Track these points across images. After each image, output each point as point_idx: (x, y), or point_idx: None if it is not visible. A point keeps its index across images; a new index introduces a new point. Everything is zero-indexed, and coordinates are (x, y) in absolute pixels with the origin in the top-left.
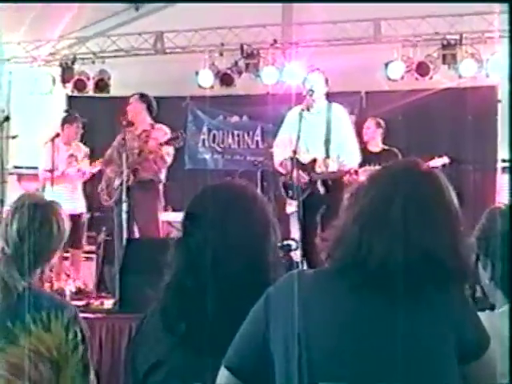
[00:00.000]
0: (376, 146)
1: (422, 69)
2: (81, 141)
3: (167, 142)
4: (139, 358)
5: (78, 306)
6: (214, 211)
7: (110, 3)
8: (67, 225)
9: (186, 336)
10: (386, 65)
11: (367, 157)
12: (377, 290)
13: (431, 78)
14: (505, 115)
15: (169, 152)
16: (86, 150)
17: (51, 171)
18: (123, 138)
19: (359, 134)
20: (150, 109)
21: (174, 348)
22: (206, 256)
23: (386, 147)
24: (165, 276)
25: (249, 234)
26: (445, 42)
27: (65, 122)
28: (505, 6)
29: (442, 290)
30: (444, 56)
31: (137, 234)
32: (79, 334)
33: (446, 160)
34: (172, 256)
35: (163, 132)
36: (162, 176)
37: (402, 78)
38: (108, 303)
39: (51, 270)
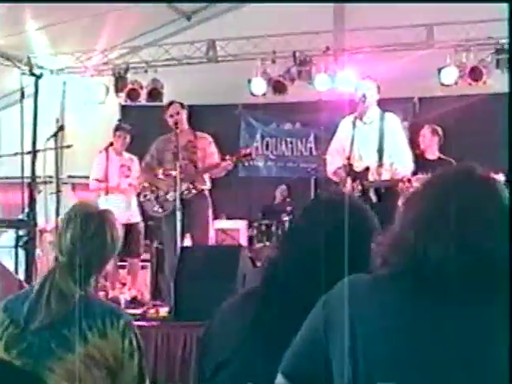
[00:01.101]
0: (432, 154)
1: (475, 74)
2: (128, 150)
3: (239, 158)
4: (208, 355)
5: (134, 315)
6: (332, 221)
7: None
8: (120, 234)
9: (264, 335)
10: (439, 70)
11: (422, 164)
12: (433, 296)
13: (484, 82)
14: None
15: (227, 166)
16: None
17: (102, 181)
18: (176, 146)
19: (413, 140)
20: (189, 117)
21: (248, 346)
22: (315, 263)
23: (442, 156)
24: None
25: (363, 246)
26: (498, 47)
27: (114, 132)
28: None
29: (499, 297)
30: (497, 60)
31: (188, 243)
32: (135, 342)
33: (501, 178)
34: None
35: (208, 141)
36: (208, 182)
37: (456, 83)
38: (163, 311)
39: (106, 279)
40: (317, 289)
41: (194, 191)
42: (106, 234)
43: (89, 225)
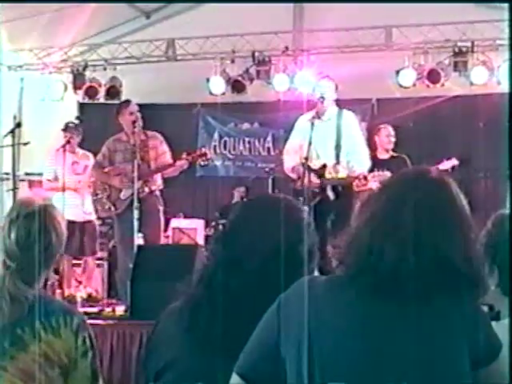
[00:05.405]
0: (387, 153)
1: (433, 76)
2: (83, 147)
3: (194, 158)
4: (153, 358)
5: (90, 313)
6: (260, 222)
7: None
8: (64, 227)
9: (204, 337)
10: (398, 72)
11: (376, 163)
12: (388, 296)
13: (442, 85)
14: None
15: (183, 165)
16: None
17: (54, 180)
18: (134, 145)
19: (371, 141)
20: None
21: (190, 348)
22: (248, 263)
23: (394, 154)
24: (193, 276)
25: (297, 248)
26: (456, 50)
27: (65, 129)
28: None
29: (455, 296)
30: (455, 63)
31: (140, 241)
32: (88, 340)
33: (455, 162)
34: (208, 259)
35: (159, 140)
36: (160, 182)
37: (414, 85)
38: (119, 310)
39: (62, 277)
40: (248, 289)
41: (146, 189)
42: (50, 232)
43: (32, 225)
